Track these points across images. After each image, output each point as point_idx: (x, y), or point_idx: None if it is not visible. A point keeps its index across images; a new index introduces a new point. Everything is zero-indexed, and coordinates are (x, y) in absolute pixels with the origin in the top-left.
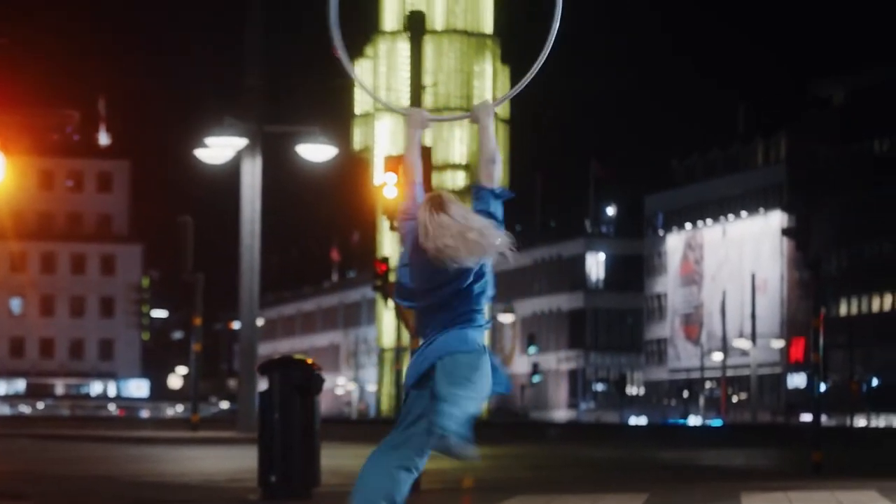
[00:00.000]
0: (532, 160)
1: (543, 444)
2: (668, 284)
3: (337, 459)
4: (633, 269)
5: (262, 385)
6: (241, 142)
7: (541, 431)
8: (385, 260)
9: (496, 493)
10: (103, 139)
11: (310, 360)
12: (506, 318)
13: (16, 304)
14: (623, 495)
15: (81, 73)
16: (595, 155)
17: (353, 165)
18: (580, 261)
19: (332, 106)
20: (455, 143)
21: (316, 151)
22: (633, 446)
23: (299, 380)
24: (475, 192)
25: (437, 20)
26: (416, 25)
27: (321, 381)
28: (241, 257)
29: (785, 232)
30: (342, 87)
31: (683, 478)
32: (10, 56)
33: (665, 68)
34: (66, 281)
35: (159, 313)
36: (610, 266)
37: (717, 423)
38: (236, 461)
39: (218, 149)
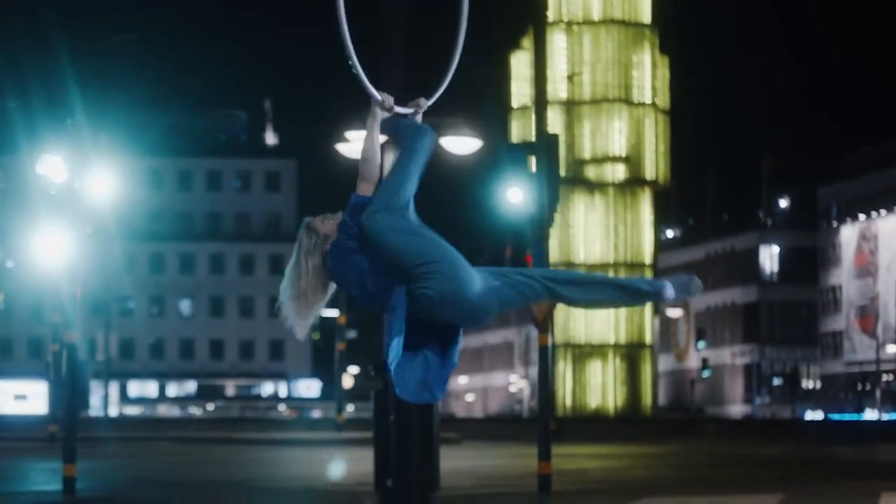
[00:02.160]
0: (704, 154)
1: (704, 441)
2: (842, 276)
3: (481, 460)
4: (807, 261)
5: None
6: (382, 137)
7: (701, 428)
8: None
9: (628, 493)
10: (270, 139)
11: None
12: (675, 313)
13: (185, 306)
14: (755, 496)
15: (248, 73)
16: (767, 147)
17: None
18: (753, 254)
19: (486, 98)
20: (614, 134)
21: (461, 144)
22: (802, 442)
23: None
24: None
25: (594, 10)
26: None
27: None
28: None
29: None
30: (495, 78)
31: (826, 476)
32: (137, 54)
33: (835, 61)
34: (235, 282)
35: (330, 312)
36: (784, 258)
37: (894, 416)
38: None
39: (359, 143)
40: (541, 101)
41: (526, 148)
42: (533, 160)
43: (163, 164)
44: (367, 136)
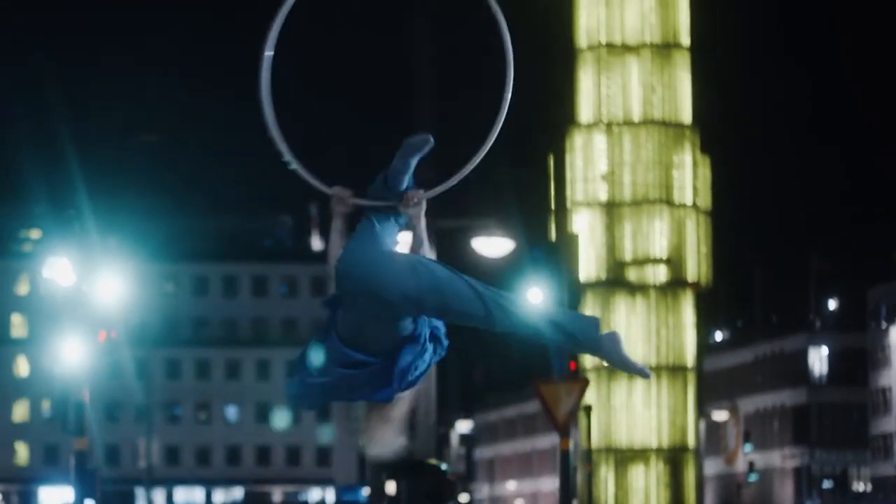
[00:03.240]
0: (750, 254)
1: None
2: (892, 377)
3: None
4: (857, 362)
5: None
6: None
7: None
8: None
9: None
10: (316, 244)
11: (444, 467)
12: (721, 416)
13: (232, 412)
14: None
15: (293, 177)
16: (814, 247)
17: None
18: (802, 355)
19: (522, 199)
20: (655, 235)
21: (493, 246)
22: None
23: (430, 487)
24: None
25: (634, 111)
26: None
27: (454, 488)
28: None
29: None
30: (531, 177)
31: None
32: (165, 153)
33: (882, 161)
34: (282, 387)
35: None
36: (833, 360)
37: None
38: None
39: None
40: (560, 202)
41: (547, 249)
42: (553, 261)
43: (207, 269)
44: (330, 241)
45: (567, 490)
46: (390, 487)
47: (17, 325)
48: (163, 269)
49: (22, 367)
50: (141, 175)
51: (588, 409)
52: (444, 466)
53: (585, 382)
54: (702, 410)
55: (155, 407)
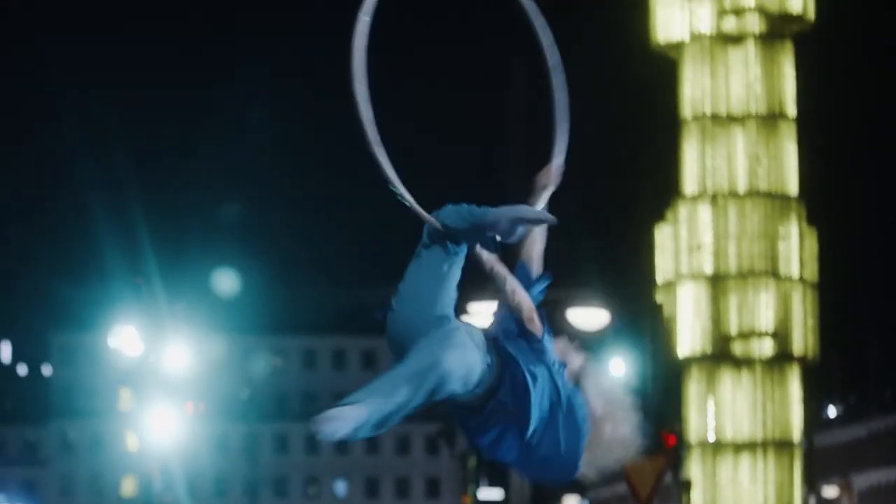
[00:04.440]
0: (861, 327)
1: None
2: None
3: None
4: None
5: None
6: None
7: None
8: None
9: None
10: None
11: None
12: (832, 492)
13: (341, 487)
14: None
15: (403, 247)
16: None
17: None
18: None
19: (621, 270)
20: (761, 308)
21: (588, 317)
22: None
23: None
24: None
25: (739, 182)
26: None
27: None
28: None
29: None
30: (633, 249)
31: None
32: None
33: None
34: (391, 461)
35: (490, 493)
36: None
37: None
38: None
39: (483, 316)
40: (643, 275)
41: (648, 322)
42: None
43: (316, 343)
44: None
45: None
46: None
47: (125, 399)
48: (272, 342)
49: (131, 441)
50: (243, 244)
51: (688, 484)
52: None
53: (671, 457)
54: (812, 487)
55: (263, 482)
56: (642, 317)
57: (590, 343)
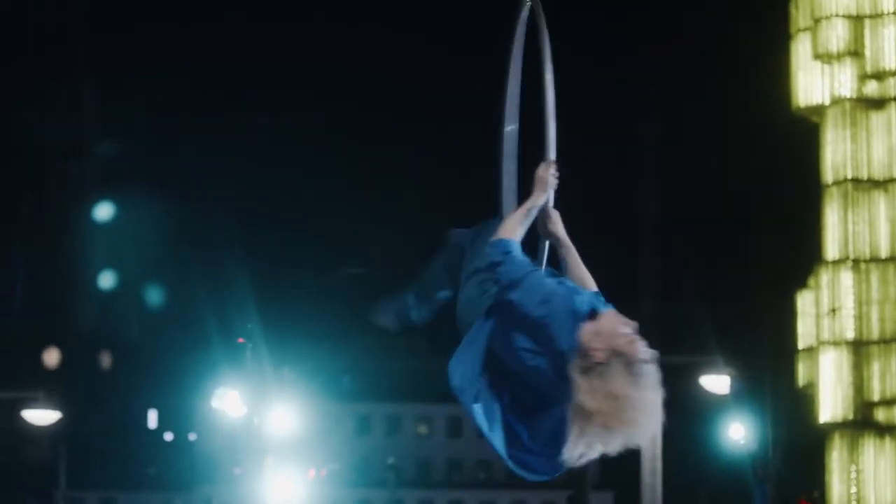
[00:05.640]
0: None
1: None
2: None
3: None
4: None
5: None
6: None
7: None
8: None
9: None
10: None
11: None
12: None
13: None
14: None
15: None
16: None
17: (796, 405)
18: None
19: (764, 336)
20: None
21: (716, 383)
22: None
23: None
24: None
25: (882, 247)
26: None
27: None
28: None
29: None
30: (777, 314)
31: None
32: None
33: None
34: None
35: None
36: None
37: None
38: None
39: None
40: (772, 341)
41: (785, 389)
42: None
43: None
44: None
45: None
46: None
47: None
48: (416, 409)
49: None
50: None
51: None
52: None
53: None
54: None
55: None
56: (764, 383)
57: (717, 406)
